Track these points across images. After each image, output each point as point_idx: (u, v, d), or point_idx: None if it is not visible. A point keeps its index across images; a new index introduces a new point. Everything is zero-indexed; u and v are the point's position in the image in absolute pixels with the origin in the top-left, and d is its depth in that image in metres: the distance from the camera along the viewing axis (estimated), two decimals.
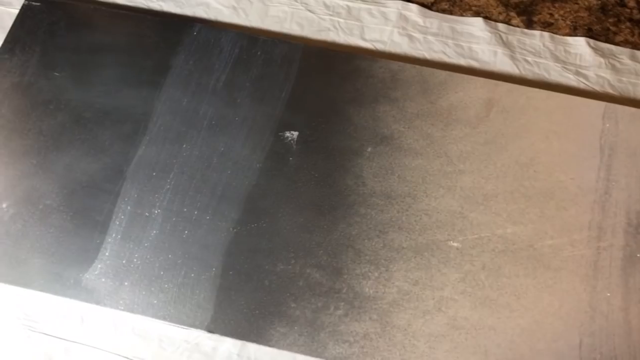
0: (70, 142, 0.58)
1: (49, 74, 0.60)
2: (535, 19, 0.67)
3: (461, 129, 0.59)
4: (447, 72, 0.61)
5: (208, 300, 0.52)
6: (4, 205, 0.55)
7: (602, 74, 0.64)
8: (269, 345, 0.51)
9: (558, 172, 0.57)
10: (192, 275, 0.53)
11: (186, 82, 0.60)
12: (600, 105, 0.60)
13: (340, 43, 0.65)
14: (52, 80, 0.60)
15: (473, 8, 0.68)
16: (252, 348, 0.52)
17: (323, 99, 0.60)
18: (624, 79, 0.63)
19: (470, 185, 0.56)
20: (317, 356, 0.50)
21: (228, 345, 0.52)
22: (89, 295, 0.52)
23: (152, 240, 0.54)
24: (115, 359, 0.52)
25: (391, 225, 0.55)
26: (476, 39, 0.65)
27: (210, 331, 0.51)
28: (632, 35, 0.66)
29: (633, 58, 0.64)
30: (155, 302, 0.52)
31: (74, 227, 0.54)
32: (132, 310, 0.52)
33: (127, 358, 0.52)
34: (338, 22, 0.66)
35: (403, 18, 0.66)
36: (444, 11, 0.67)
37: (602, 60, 0.64)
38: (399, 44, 0.65)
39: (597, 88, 0.63)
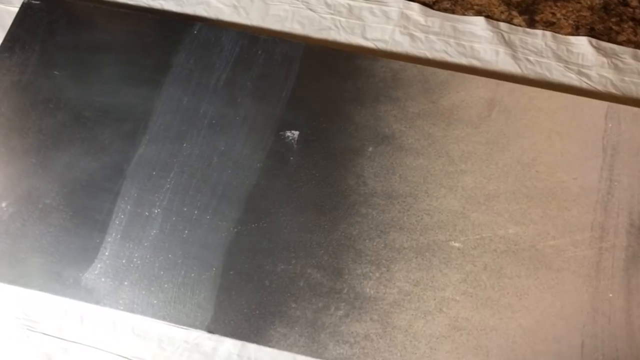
0: (70, 141, 0.57)
1: (49, 72, 0.60)
2: (537, 18, 0.67)
3: (463, 129, 0.58)
4: (449, 72, 0.61)
5: (208, 300, 0.52)
6: (4, 204, 0.55)
7: (605, 74, 0.63)
8: (269, 346, 0.51)
9: (560, 172, 0.56)
10: (192, 275, 0.52)
11: (187, 81, 0.60)
12: (603, 105, 0.59)
13: (342, 42, 0.65)
14: (52, 78, 0.60)
15: (475, 7, 0.67)
16: (252, 348, 0.52)
17: (324, 99, 0.59)
18: (626, 78, 0.63)
19: (472, 185, 0.56)
20: (317, 357, 0.50)
21: (228, 345, 0.52)
22: (88, 295, 0.52)
23: (152, 239, 0.54)
24: (114, 359, 0.52)
25: (392, 225, 0.54)
26: (478, 38, 0.65)
27: (210, 331, 0.51)
28: (635, 35, 0.66)
29: (636, 57, 0.64)
30: (155, 302, 0.52)
31: (74, 227, 0.54)
32: (131, 310, 0.51)
33: (127, 358, 0.52)
34: (339, 21, 0.66)
35: (405, 17, 0.66)
36: (445, 10, 0.67)
37: (604, 59, 0.64)
38: (401, 43, 0.65)
39: (600, 88, 0.63)
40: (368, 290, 0.52)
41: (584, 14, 0.68)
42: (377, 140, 0.58)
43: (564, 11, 0.68)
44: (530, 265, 0.53)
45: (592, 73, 0.63)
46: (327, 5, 0.67)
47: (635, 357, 0.50)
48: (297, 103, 0.59)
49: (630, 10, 0.68)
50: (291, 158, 0.57)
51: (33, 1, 0.63)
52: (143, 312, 0.51)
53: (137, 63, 0.61)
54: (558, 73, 0.63)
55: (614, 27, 0.67)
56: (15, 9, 0.63)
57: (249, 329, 0.51)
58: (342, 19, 0.66)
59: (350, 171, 0.57)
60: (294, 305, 0.52)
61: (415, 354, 0.50)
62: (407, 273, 0.53)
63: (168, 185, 0.56)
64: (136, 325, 0.53)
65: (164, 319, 0.51)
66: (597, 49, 0.64)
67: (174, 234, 0.54)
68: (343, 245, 0.54)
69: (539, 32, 0.66)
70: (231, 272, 0.53)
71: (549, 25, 0.67)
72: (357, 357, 0.50)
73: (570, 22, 0.67)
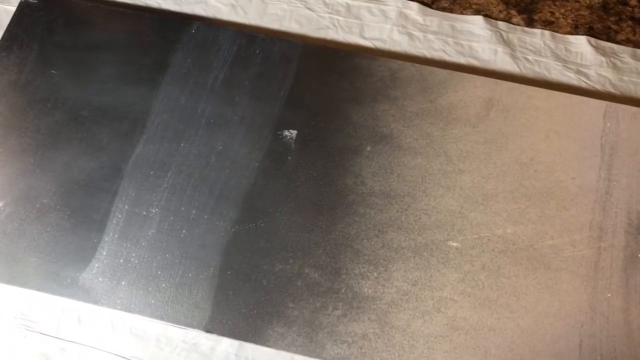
0: (68, 141, 0.57)
1: (47, 71, 0.60)
2: (535, 17, 0.67)
3: (461, 128, 0.58)
4: (447, 71, 0.61)
5: (206, 300, 0.52)
6: (1, 204, 0.55)
7: (603, 73, 0.63)
8: (267, 346, 0.50)
9: (559, 172, 0.56)
10: (190, 274, 0.52)
11: (184, 80, 0.60)
12: (602, 104, 0.59)
13: (340, 41, 0.65)
14: (49, 78, 0.60)
15: (473, 6, 0.67)
16: (250, 348, 0.52)
17: (322, 98, 0.59)
18: (625, 78, 0.63)
19: (470, 184, 0.56)
20: (315, 357, 0.50)
21: (226, 345, 0.52)
22: (86, 294, 0.52)
23: (150, 239, 0.54)
24: (112, 359, 0.52)
25: (390, 225, 0.54)
26: (476, 38, 0.65)
27: (208, 331, 0.51)
28: (634, 34, 0.66)
29: (634, 57, 0.64)
30: (152, 301, 0.52)
31: (71, 226, 0.54)
32: (129, 310, 0.51)
33: (125, 358, 0.52)
34: (337, 20, 0.66)
35: (403, 16, 0.66)
36: (444, 9, 0.67)
37: (603, 59, 0.64)
38: (399, 42, 0.65)
39: (598, 87, 0.63)
40: (366, 290, 0.52)
41: (583, 13, 0.67)
42: (375, 139, 0.58)
43: (562, 10, 0.68)
44: (529, 265, 0.53)
45: (591, 72, 0.63)
46: (325, 4, 0.66)
47: (634, 356, 0.50)
48: (295, 102, 0.59)
49: (629, 9, 0.68)
50: (289, 158, 0.57)
51: (31, 0, 0.63)
52: (141, 312, 0.51)
53: (134, 62, 0.60)
54: (557, 72, 0.63)
55: (612, 26, 0.67)
56: (13, 8, 0.63)
57: (246, 328, 0.51)
58: (340, 18, 0.66)
59: (349, 171, 0.56)
60: (291, 305, 0.52)
61: (413, 353, 0.50)
62: (405, 273, 0.53)
63: (166, 185, 0.56)
64: (134, 325, 0.53)
65: (161, 318, 0.51)
66: (596, 48, 0.64)
67: (172, 233, 0.54)
68: (341, 245, 0.54)
69: (537, 31, 0.66)
70: (229, 272, 0.52)
71: (548, 25, 0.67)
72: (355, 356, 0.50)
73: (569, 21, 0.67)
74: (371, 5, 0.66)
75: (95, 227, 0.54)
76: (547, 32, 0.65)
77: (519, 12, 0.67)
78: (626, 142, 0.58)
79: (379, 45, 0.65)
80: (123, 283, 0.52)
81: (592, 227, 0.54)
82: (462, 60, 0.64)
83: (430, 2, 0.67)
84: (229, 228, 0.54)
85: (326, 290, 0.52)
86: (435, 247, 0.54)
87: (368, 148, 0.57)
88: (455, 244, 0.54)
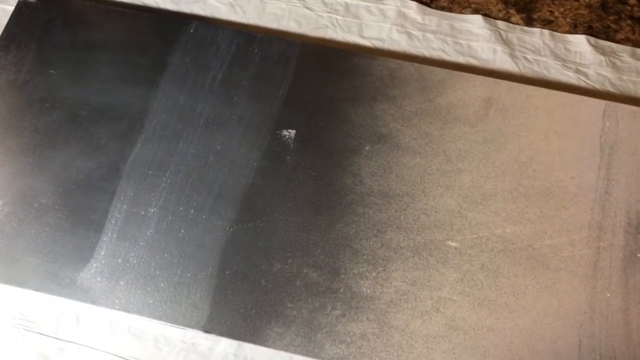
0: (66, 141, 0.57)
1: (45, 71, 0.60)
2: (535, 16, 0.67)
3: (460, 128, 0.58)
4: (446, 70, 0.61)
5: (204, 300, 0.52)
6: None
7: (603, 72, 0.63)
8: (266, 346, 0.50)
9: (558, 171, 0.56)
10: (188, 274, 0.52)
11: (183, 79, 0.60)
12: (601, 103, 0.59)
13: (338, 40, 0.65)
14: (47, 77, 0.60)
15: (472, 5, 0.67)
16: (249, 348, 0.52)
17: (321, 97, 0.59)
18: (624, 77, 0.63)
19: (469, 184, 0.56)
20: (314, 357, 0.50)
21: (224, 345, 0.52)
22: (84, 294, 0.52)
23: (148, 239, 0.53)
24: (111, 359, 0.52)
25: (389, 224, 0.54)
26: (475, 37, 0.65)
27: (206, 331, 0.51)
28: (633, 33, 0.66)
29: (634, 56, 0.64)
30: (151, 301, 0.52)
31: (70, 226, 0.54)
32: (127, 310, 0.51)
33: (123, 358, 0.52)
34: (336, 19, 0.66)
35: (402, 15, 0.66)
36: (443, 8, 0.67)
37: (602, 58, 0.64)
38: (398, 42, 0.65)
39: (598, 86, 0.62)
40: (365, 289, 0.52)
41: (582, 12, 0.67)
42: (374, 139, 0.58)
43: (561, 9, 0.67)
44: (528, 265, 0.53)
45: (590, 71, 0.63)
46: (324, 3, 0.66)
47: (633, 356, 0.50)
48: (293, 102, 0.59)
49: (629, 8, 0.68)
50: (288, 157, 0.57)
51: (29, 0, 0.63)
52: (139, 312, 0.51)
53: (133, 62, 0.60)
54: (556, 71, 0.63)
55: (612, 25, 0.67)
56: (11, 8, 0.63)
57: (245, 328, 0.51)
58: (339, 17, 0.66)
59: (347, 170, 0.56)
60: (290, 304, 0.52)
61: (412, 353, 0.50)
62: (404, 272, 0.53)
63: (164, 185, 0.55)
64: (132, 325, 0.53)
65: (160, 318, 0.51)
66: (595, 47, 0.64)
67: (170, 233, 0.54)
68: (340, 244, 0.54)
69: (536, 30, 0.65)
70: (227, 272, 0.52)
71: (547, 24, 0.66)
72: (354, 356, 0.50)
73: (568, 20, 0.67)
74: (370, 4, 0.66)
75: (93, 227, 0.54)
76: (546, 32, 0.65)
77: (518, 11, 0.67)
78: (625, 142, 0.58)
79: (378, 44, 0.65)
80: (121, 283, 0.52)
81: (591, 226, 0.54)
82: (461, 59, 0.64)
83: (429, 1, 0.67)
84: (228, 228, 0.54)
85: (325, 290, 0.52)
86: (434, 246, 0.54)
87: (367, 147, 0.57)
88: (454, 244, 0.54)
